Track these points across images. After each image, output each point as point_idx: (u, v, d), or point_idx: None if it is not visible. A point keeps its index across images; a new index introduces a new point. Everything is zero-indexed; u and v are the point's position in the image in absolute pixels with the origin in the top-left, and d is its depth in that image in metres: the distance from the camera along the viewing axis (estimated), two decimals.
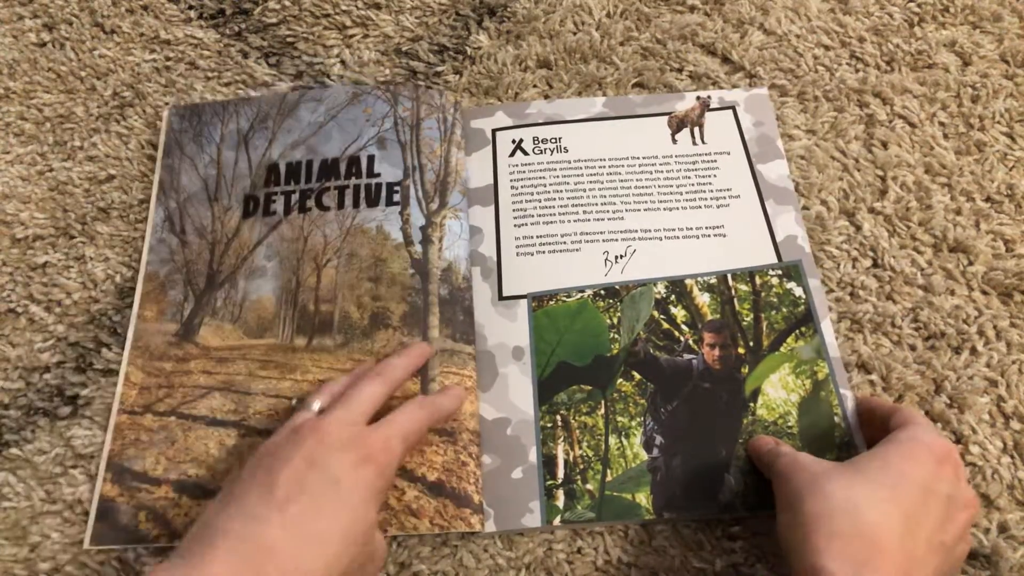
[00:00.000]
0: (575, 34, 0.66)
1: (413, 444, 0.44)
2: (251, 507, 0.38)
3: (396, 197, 0.57)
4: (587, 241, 0.56)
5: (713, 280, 0.54)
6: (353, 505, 0.39)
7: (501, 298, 0.54)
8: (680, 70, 0.64)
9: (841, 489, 0.39)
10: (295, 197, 0.58)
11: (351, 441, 0.41)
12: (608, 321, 0.53)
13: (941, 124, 0.61)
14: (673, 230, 0.56)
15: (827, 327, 0.52)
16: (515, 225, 0.57)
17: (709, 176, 0.59)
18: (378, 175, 0.58)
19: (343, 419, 0.42)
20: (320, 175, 0.58)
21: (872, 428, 0.48)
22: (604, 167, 0.59)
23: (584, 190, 0.58)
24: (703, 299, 0.54)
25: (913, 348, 0.53)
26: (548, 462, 0.49)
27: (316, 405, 0.44)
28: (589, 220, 0.57)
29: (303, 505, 0.38)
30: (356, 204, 0.57)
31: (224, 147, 0.60)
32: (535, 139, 0.60)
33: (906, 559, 0.37)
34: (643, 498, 0.48)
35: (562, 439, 0.50)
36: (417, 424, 0.45)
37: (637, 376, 0.52)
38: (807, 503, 0.39)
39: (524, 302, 0.54)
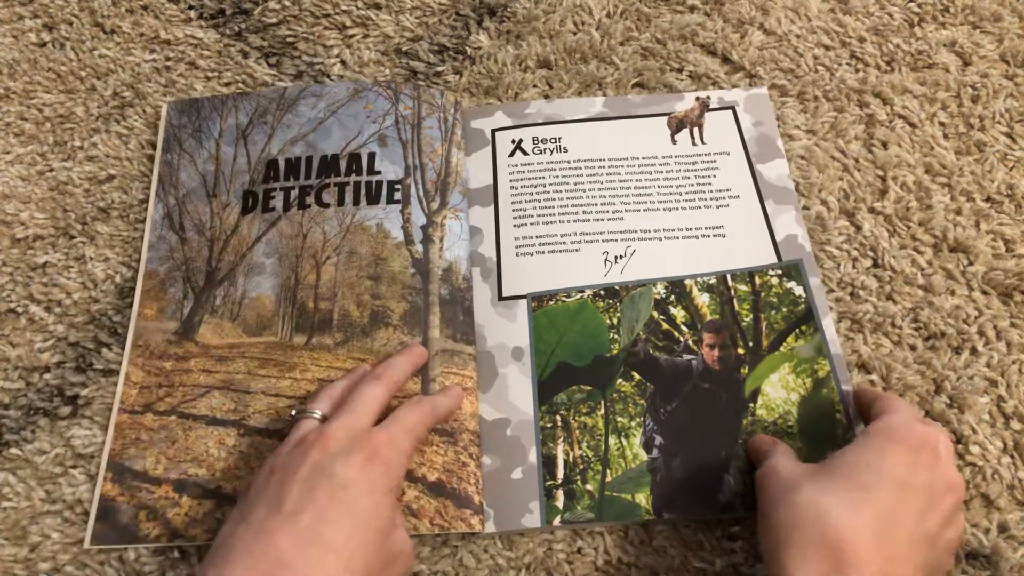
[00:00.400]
0: (575, 34, 0.66)
1: (419, 442, 0.44)
2: (261, 523, 0.38)
3: (397, 195, 0.57)
4: (587, 241, 0.56)
5: (713, 280, 0.54)
6: (363, 508, 0.39)
7: (501, 298, 0.54)
8: (680, 70, 0.64)
9: (809, 499, 0.39)
10: (294, 193, 0.57)
11: (356, 443, 0.41)
12: (608, 321, 0.53)
13: (941, 124, 0.61)
14: (673, 230, 0.56)
15: (828, 324, 0.52)
16: (515, 225, 0.57)
17: (709, 176, 0.59)
18: (379, 172, 0.58)
19: (348, 424, 0.42)
20: (320, 171, 0.58)
21: (865, 419, 0.48)
22: (604, 167, 0.59)
23: (584, 190, 0.58)
24: (703, 299, 0.54)
25: (913, 348, 0.53)
26: (548, 462, 0.49)
27: (318, 413, 0.44)
28: (589, 220, 0.57)
29: (312, 515, 0.38)
30: (356, 201, 0.57)
31: (223, 142, 0.60)
32: (535, 139, 0.60)
33: (883, 561, 0.37)
34: (643, 498, 0.48)
35: (562, 439, 0.50)
36: (420, 420, 0.44)
37: (637, 376, 0.52)
38: (777, 514, 0.40)
39: (524, 302, 0.54)
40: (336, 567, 0.37)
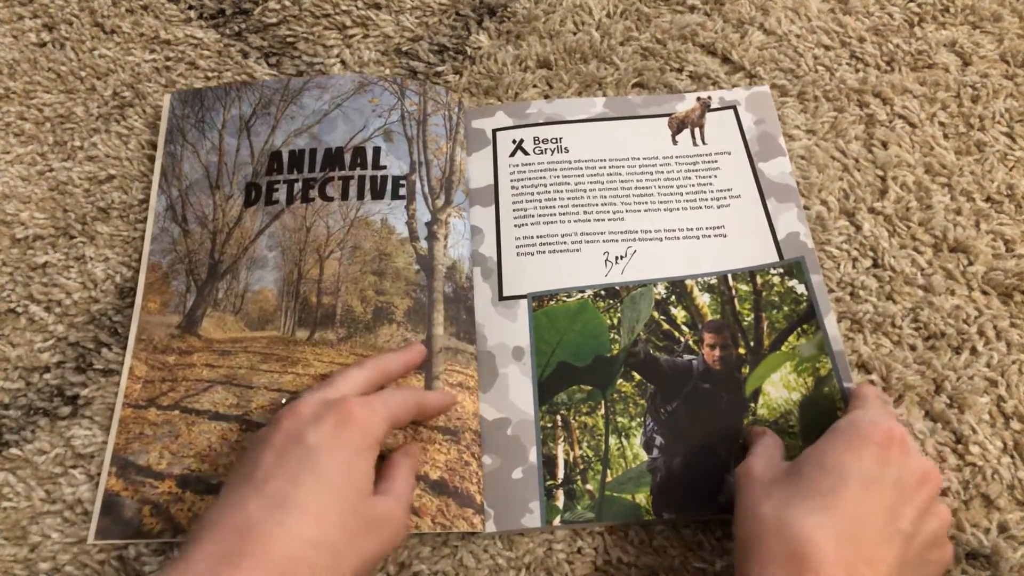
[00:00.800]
0: (575, 34, 0.66)
1: (397, 419, 0.43)
2: (233, 495, 0.38)
3: (402, 191, 0.57)
4: (587, 241, 0.56)
5: (713, 280, 0.54)
6: (334, 468, 0.38)
7: (501, 298, 0.54)
8: (680, 70, 0.64)
9: (774, 509, 0.39)
10: (298, 186, 0.57)
11: (328, 409, 0.40)
12: (608, 322, 0.53)
13: (941, 124, 0.61)
14: (673, 231, 0.56)
15: (831, 322, 0.52)
16: (515, 225, 0.57)
17: (709, 176, 0.59)
18: (384, 167, 0.57)
19: (322, 395, 0.42)
20: (324, 164, 0.58)
21: None
22: (604, 167, 0.59)
23: (584, 190, 0.58)
24: (703, 299, 0.54)
25: (913, 348, 0.53)
26: (548, 462, 0.49)
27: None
28: (589, 220, 0.57)
29: (280, 480, 0.37)
30: (360, 196, 0.56)
31: (226, 133, 0.59)
32: (535, 139, 0.60)
33: (846, 566, 0.36)
34: (643, 498, 0.48)
35: (562, 439, 0.50)
36: (403, 401, 0.44)
37: (637, 376, 0.52)
38: (743, 527, 0.39)
39: (524, 302, 0.54)
40: (304, 526, 0.36)
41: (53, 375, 0.53)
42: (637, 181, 0.58)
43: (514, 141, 0.60)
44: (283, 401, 0.46)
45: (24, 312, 0.55)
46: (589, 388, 0.51)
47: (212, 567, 0.34)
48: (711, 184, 0.58)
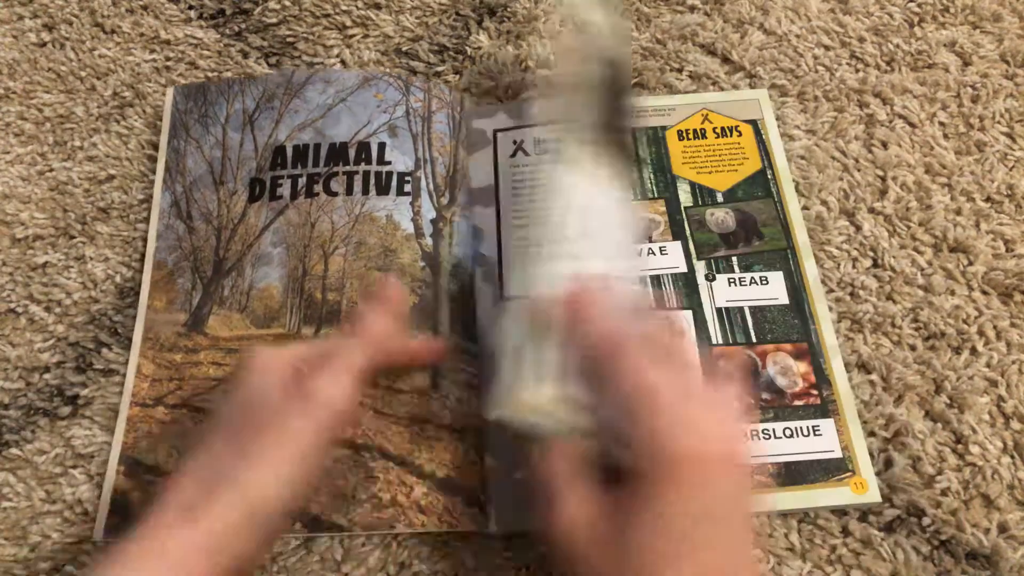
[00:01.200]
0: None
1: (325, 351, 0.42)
2: None
3: (407, 187, 0.56)
4: None
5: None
6: (235, 389, 0.40)
7: (502, 299, 0.54)
8: (680, 70, 0.64)
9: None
10: (302, 181, 0.57)
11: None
12: None
13: (941, 124, 0.61)
14: None
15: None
16: (516, 226, 0.57)
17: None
18: (389, 163, 0.57)
19: None
20: (328, 159, 0.57)
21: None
22: None
23: None
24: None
25: (913, 348, 0.53)
26: None
27: None
28: None
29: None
30: (365, 191, 0.56)
31: (229, 128, 0.59)
32: (536, 140, 0.60)
33: None
34: None
35: None
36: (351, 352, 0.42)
37: None
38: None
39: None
40: (200, 451, 0.39)
41: (53, 375, 0.53)
42: None
43: (515, 142, 0.60)
44: None
45: (24, 312, 0.55)
46: None
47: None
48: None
